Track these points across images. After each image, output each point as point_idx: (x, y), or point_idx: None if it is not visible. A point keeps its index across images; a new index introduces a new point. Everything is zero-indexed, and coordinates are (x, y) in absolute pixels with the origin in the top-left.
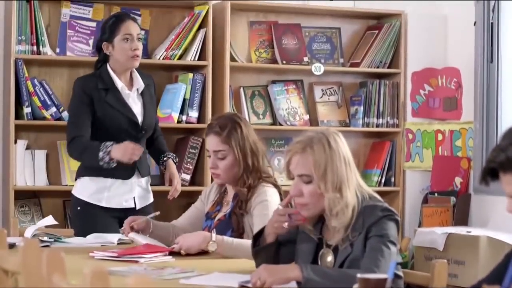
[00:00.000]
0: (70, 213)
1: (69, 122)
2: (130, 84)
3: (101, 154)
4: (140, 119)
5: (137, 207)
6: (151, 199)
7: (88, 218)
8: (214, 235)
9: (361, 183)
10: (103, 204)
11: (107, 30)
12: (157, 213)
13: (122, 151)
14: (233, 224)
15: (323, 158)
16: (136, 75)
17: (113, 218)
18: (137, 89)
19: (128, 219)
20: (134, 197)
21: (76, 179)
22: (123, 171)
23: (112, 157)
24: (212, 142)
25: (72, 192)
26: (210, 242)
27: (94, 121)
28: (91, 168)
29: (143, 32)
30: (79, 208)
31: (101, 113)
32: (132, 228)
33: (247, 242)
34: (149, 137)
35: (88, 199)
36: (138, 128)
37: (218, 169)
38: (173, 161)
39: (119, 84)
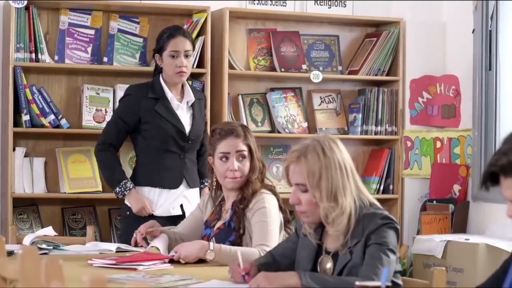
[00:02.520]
0: (119, 217)
1: (109, 122)
2: (181, 96)
3: (117, 189)
4: (188, 129)
5: (186, 214)
6: None
7: (135, 224)
8: (212, 244)
9: (362, 189)
10: (151, 212)
11: (160, 43)
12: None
13: (136, 204)
14: (234, 223)
15: (317, 167)
16: (188, 88)
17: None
18: (187, 102)
19: (146, 224)
20: (181, 205)
21: None
22: (171, 180)
23: (125, 198)
24: (235, 143)
25: (126, 200)
26: (208, 251)
27: (142, 129)
28: (141, 178)
29: (191, 49)
30: (128, 212)
31: (148, 121)
32: (145, 239)
33: (244, 250)
34: (197, 150)
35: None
36: (185, 138)
37: (238, 171)
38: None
39: (169, 94)
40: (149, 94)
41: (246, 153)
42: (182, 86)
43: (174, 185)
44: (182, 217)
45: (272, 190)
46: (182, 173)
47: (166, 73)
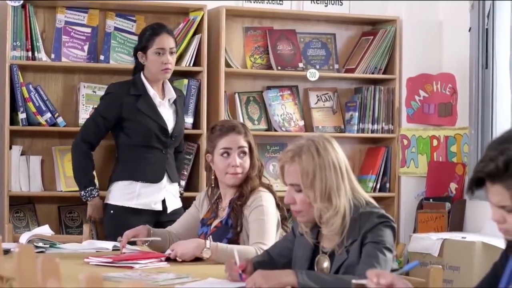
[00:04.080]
0: (104, 219)
1: (88, 120)
2: (162, 94)
3: (82, 193)
4: (170, 126)
5: (168, 210)
6: (180, 204)
7: (121, 221)
8: (208, 242)
9: (358, 189)
10: (133, 205)
11: (143, 41)
12: (158, 239)
13: (94, 212)
14: (231, 220)
15: (311, 167)
16: (169, 86)
17: (144, 222)
18: (169, 99)
19: (128, 233)
20: (163, 200)
21: (108, 186)
22: (154, 175)
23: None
24: (237, 139)
25: (106, 200)
26: (204, 249)
27: (124, 126)
28: (123, 173)
29: (175, 46)
30: (112, 211)
31: (130, 118)
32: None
33: (240, 248)
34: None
35: (119, 202)
36: (167, 134)
37: (240, 167)
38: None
39: (151, 91)
40: (131, 91)
41: (247, 149)
42: (163, 84)
43: (157, 179)
44: (164, 212)
45: (270, 188)
46: (164, 168)
47: (150, 70)
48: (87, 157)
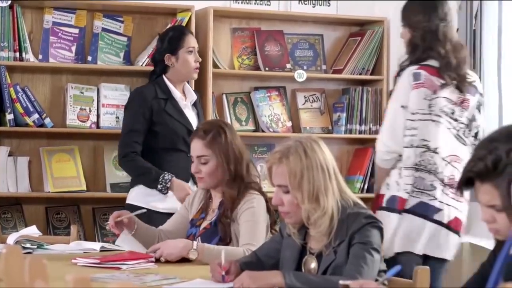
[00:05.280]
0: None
1: (124, 133)
2: (184, 95)
3: (159, 186)
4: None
5: None
6: None
7: (148, 223)
8: (195, 243)
9: (345, 189)
10: (160, 209)
11: (172, 42)
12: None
13: (181, 192)
14: (220, 233)
15: (298, 168)
16: (189, 88)
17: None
18: (191, 101)
19: (114, 213)
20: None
21: (131, 188)
22: (180, 178)
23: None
24: (196, 147)
25: (128, 201)
26: (191, 250)
27: (152, 130)
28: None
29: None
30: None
31: (159, 122)
32: (117, 224)
33: (228, 249)
34: None
35: (145, 205)
36: None
37: (201, 173)
38: None
39: (177, 94)
40: (159, 94)
41: (204, 159)
42: (183, 87)
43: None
44: None
45: (261, 191)
46: (189, 171)
47: (181, 71)
48: (138, 163)
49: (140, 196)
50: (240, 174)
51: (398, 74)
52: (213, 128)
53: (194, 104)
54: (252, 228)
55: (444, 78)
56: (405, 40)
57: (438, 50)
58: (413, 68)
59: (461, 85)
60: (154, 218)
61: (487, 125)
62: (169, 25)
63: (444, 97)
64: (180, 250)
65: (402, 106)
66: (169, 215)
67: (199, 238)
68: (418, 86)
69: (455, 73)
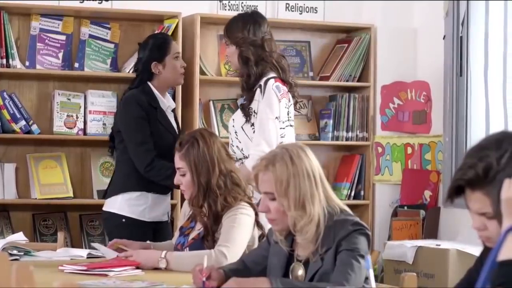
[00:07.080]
0: (109, 228)
1: (138, 143)
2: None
3: None
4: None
5: (169, 221)
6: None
7: (133, 230)
8: (163, 252)
9: (332, 196)
10: (146, 219)
11: (156, 50)
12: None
13: None
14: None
15: (285, 175)
16: (167, 95)
17: (150, 229)
18: (171, 108)
19: (123, 240)
20: (168, 212)
21: (113, 195)
22: (163, 186)
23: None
24: (175, 159)
25: (108, 209)
26: (159, 259)
27: None
28: (132, 184)
29: None
30: (124, 220)
31: (153, 130)
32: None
33: (199, 253)
34: None
35: (128, 213)
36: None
37: (182, 185)
38: None
39: (164, 102)
40: (152, 102)
41: (183, 171)
42: None
43: (167, 190)
44: (166, 222)
45: (251, 203)
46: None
47: (169, 77)
48: (162, 167)
49: (125, 205)
50: (210, 187)
51: (255, 89)
52: (189, 140)
53: (173, 111)
54: (229, 231)
55: (286, 85)
56: (232, 58)
57: (270, 61)
58: (272, 82)
59: (293, 90)
60: (140, 227)
61: (473, 133)
62: (155, 32)
63: (291, 104)
64: (151, 261)
65: (276, 118)
66: (156, 224)
67: (187, 248)
68: (282, 97)
69: (291, 80)
